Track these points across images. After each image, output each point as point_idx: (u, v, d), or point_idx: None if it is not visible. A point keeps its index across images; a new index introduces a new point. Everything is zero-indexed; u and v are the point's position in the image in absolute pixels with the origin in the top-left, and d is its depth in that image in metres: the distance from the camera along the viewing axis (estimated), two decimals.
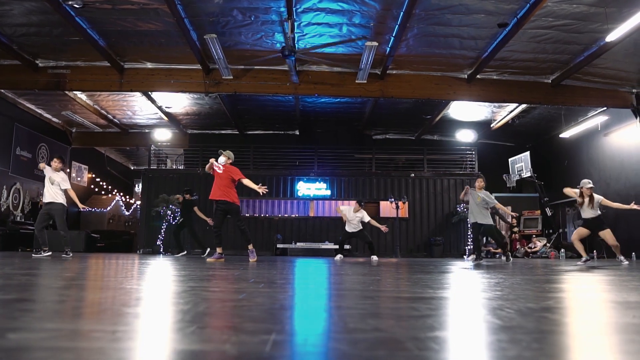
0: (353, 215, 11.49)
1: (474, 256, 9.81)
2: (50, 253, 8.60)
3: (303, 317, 1.72)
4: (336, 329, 1.43)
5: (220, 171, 8.38)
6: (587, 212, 8.64)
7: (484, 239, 15.87)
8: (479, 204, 9.60)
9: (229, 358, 1.04)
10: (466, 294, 2.70)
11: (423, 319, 1.68)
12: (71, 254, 8.65)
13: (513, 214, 11.06)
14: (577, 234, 8.71)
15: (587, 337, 1.41)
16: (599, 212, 8.66)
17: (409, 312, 1.89)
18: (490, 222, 9.74)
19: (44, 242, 8.51)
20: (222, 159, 8.50)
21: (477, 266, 7.26)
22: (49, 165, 8.91)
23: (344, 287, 3.08)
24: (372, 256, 11.21)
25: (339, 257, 11.24)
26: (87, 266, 5.32)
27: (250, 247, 8.46)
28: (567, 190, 8.97)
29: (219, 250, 8.40)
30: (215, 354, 1.07)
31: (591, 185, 8.67)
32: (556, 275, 4.81)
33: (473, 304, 2.19)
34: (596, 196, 8.62)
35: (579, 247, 8.58)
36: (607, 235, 8.43)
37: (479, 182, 9.83)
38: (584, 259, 8.40)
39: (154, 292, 2.58)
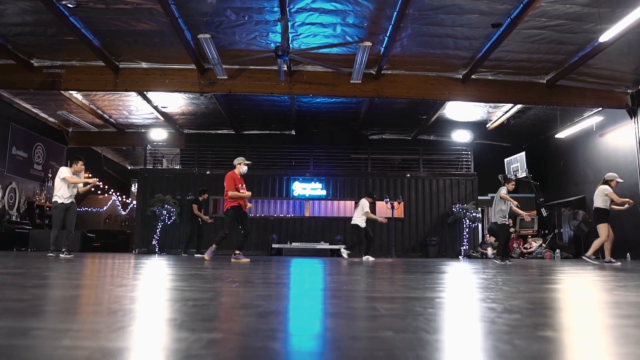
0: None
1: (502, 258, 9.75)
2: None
3: (256, 316, 1.71)
4: (282, 329, 1.43)
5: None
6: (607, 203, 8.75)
7: (481, 239, 15.90)
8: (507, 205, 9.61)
9: (155, 355, 1.04)
10: (437, 294, 2.70)
11: (378, 318, 1.67)
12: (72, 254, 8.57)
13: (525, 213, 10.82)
14: (610, 235, 8.70)
15: (521, 339, 1.41)
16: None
17: (369, 312, 1.89)
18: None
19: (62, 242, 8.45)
20: (245, 169, 8.77)
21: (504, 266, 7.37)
22: (70, 167, 8.75)
23: (317, 287, 3.08)
24: (365, 256, 11.07)
25: (366, 257, 10.98)
26: (71, 266, 5.33)
27: (214, 247, 8.64)
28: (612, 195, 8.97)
29: (237, 252, 8.63)
30: (140, 351, 1.07)
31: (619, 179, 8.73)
32: (540, 275, 4.81)
33: (437, 304, 2.19)
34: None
35: (608, 248, 8.61)
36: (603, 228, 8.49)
37: (512, 185, 9.75)
38: (607, 259, 8.45)
39: (122, 291, 2.58)
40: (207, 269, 5.14)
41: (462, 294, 2.70)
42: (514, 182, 9.79)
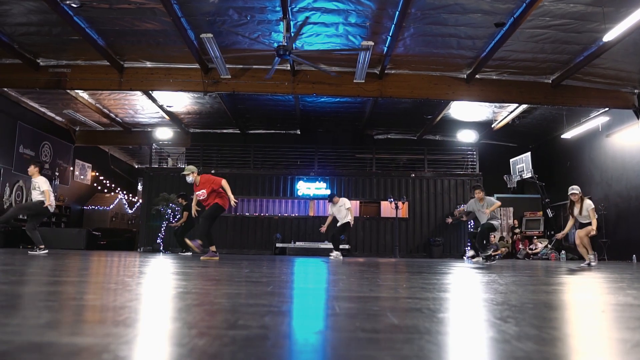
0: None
1: (478, 255, 9.85)
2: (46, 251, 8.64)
3: (205, 313, 1.72)
4: (221, 326, 1.43)
5: (204, 196, 8.54)
6: (582, 219, 8.48)
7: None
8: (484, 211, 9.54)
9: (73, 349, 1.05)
10: (409, 294, 2.69)
11: (326, 317, 1.67)
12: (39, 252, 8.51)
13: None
14: (579, 238, 8.55)
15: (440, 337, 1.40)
16: (596, 216, 8.49)
17: (324, 311, 1.88)
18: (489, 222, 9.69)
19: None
20: (190, 178, 8.61)
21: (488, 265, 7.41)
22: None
23: (292, 286, 3.08)
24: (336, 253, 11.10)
25: (335, 254, 11.02)
26: (64, 263, 5.37)
27: (213, 248, 8.62)
28: (566, 229, 8.90)
29: (212, 248, 8.56)
30: (58, 346, 1.08)
31: (573, 191, 8.49)
32: (531, 277, 4.76)
33: (399, 304, 2.17)
34: (587, 202, 8.45)
35: (583, 251, 8.46)
36: (589, 229, 8.25)
37: (479, 194, 9.68)
38: (586, 262, 8.28)
39: (91, 288, 2.60)
40: (200, 267, 5.15)
41: (436, 294, 2.68)
42: (477, 190, 9.75)
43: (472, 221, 14.43)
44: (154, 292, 2.42)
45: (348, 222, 11.14)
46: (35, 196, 8.74)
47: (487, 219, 9.51)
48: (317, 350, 1.17)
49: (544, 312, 2.00)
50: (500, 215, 10.87)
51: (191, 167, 8.85)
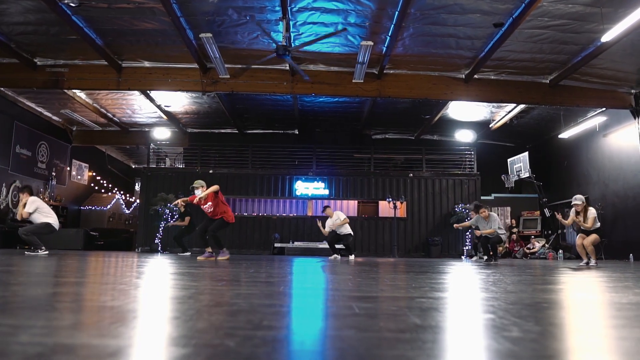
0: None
1: (484, 256, 10.22)
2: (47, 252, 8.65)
3: (226, 314, 1.72)
4: (247, 327, 1.43)
5: (211, 209, 8.71)
6: (585, 226, 8.55)
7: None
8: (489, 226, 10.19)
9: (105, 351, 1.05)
10: (420, 294, 2.70)
11: (348, 317, 1.67)
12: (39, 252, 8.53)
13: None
14: (580, 239, 8.62)
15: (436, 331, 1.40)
16: (598, 225, 8.54)
17: (343, 311, 1.88)
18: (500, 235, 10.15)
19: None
20: (199, 192, 8.71)
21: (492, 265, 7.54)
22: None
23: (303, 286, 3.08)
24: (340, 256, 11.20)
25: (334, 256, 11.11)
26: (65, 264, 5.35)
27: (209, 249, 8.79)
28: (567, 222, 8.92)
29: (208, 250, 8.64)
30: (89, 349, 1.08)
31: (576, 202, 8.55)
32: (533, 276, 4.78)
33: (416, 304, 2.18)
34: (591, 210, 8.53)
35: (582, 252, 8.52)
36: (592, 236, 8.33)
37: (484, 212, 10.27)
38: (584, 261, 8.35)
39: (103, 289, 2.59)
40: (202, 267, 5.14)
41: (447, 294, 2.69)
42: (483, 209, 10.46)
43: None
44: (169, 294, 2.42)
45: (349, 234, 11.24)
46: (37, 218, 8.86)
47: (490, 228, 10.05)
48: (350, 351, 1.16)
49: (560, 312, 2.01)
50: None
51: (201, 181, 8.97)
